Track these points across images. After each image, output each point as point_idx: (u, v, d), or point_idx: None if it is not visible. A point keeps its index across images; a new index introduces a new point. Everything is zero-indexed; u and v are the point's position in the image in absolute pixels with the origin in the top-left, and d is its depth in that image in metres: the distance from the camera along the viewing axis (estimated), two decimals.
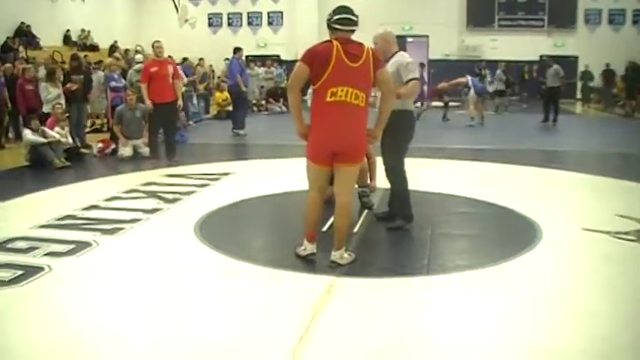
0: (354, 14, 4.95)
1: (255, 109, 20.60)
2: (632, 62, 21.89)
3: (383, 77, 4.92)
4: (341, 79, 4.75)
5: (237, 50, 14.18)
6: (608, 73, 23.65)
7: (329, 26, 4.95)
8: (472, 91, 16.45)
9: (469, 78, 16.80)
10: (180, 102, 10.56)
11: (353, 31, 4.94)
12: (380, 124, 5.12)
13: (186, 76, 18.45)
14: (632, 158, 11.03)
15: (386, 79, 4.99)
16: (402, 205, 6.15)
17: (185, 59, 19.38)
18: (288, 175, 8.35)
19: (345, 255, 5.13)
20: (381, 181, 6.84)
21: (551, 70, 17.46)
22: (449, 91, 17.77)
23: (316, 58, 4.79)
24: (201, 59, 20.48)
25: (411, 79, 5.87)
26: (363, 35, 17.87)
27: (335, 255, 5.10)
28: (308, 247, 5.24)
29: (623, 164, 10.55)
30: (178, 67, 12.46)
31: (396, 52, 6.11)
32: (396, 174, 6.12)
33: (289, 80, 5.04)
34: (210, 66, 21.83)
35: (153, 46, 10.41)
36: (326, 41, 4.90)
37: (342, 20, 4.88)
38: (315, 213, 5.22)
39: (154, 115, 10.16)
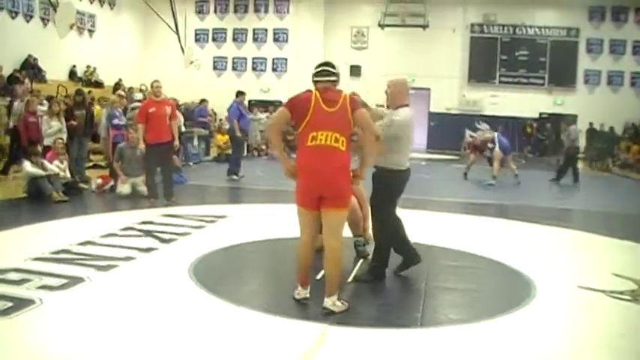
0: (332, 66, 5.31)
1: (255, 153, 20.71)
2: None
3: (360, 118, 5.10)
4: (320, 124, 5.02)
5: (239, 94, 14.27)
6: (591, 132, 24.29)
7: (312, 80, 5.31)
8: (497, 148, 15.45)
9: (495, 134, 16.04)
10: (177, 142, 10.58)
11: (332, 81, 5.25)
12: (363, 164, 5.35)
13: (203, 117, 18.61)
14: (629, 218, 11.05)
15: (363, 119, 5.11)
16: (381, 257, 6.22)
17: (203, 100, 19.44)
18: (283, 220, 8.35)
19: (338, 303, 5.13)
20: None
21: (571, 128, 17.12)
22: (478, 147, 16.79)
23: (297, 104, 5.12)
24: (203, 100, 20.61)
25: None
26: (364, 85, 18.28)
27: (327, 302, 5.10)
28: (301, 292, 5.32)
29: (620, 223, 10.57)
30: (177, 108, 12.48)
31: (401, 106, 6.02)
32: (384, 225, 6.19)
33: (269, 122, 5.25)
34: (212, 109, 21.99)
35: (152, 86, 10.47)
36: (308, 90, 5.22)
37: (320, 72, 5.27)
38: (305, 257, 5.31)
39: (149, 155, 10.11)
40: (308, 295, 5.29)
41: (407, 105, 6.05)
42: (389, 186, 6.11)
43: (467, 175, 16.24)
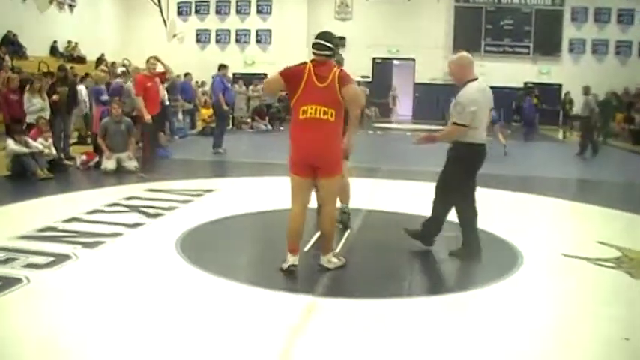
0: (327, 39, 5.34)
1: (241, 126, 20.64)
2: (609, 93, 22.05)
3: (347, 94, 5.20)
4: (310, 98, 5.20)
5: (221, 67, 14.16)
6: (568, 101, 24.50)
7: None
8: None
9: None
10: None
11: (326, 55, 5.32)
12: (347, 138, 5.47)
13: (187, 96, 18.38)
14: (614, 186, 11.15)
15: (350, 95, 5.22)
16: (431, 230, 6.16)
17: (187, 74, 19.20)
18: (270, 193, 8.35)
19: (334, 259, 5.46)
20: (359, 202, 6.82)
21: (588, 97, 16.48)
22: None
23: (292, 76, 5.31)
24: (187, 74, 20.45)
25: (455, 123, 5.77)
26: (349, 56, 18.06)
27: (323, 259, 5.44)
28: (289, 259, 5.39)
29: (605, 192, 10.66)
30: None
31: (468, 82, 5.91)
32: (443, 202, 6.10)
33: (264, 83, 5.60)
34: (197, 82, 21.83)
35: (147, 62, 10.83)
36: (303, 63, 5.38)
37: (315, 45, 5.35)
38: (296, 225, 5.46)
39: (147, 127, 10.41)
40: (296, 263, 5.38)
41: (476, 79, 5.96)
42: (469, 161, 6.01)
43: None
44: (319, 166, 5.28)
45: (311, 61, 5.33)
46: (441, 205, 6.08)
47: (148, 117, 10.33)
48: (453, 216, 7.65)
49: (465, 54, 6.18)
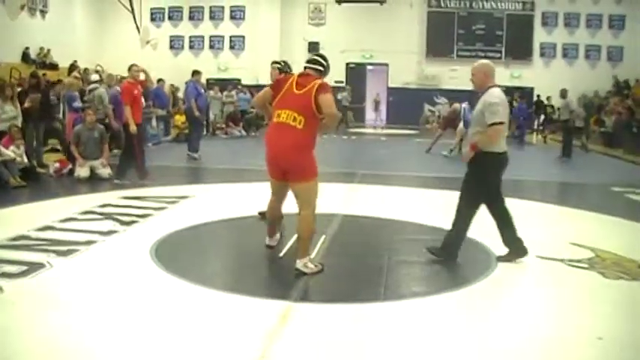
0: (322, 58, 5.83)
1: (215, 132, 20.57)
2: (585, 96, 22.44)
3: (322, 102, 5.40)
4: (285, 103, 5.52)
5: (195, 73, 14.14)
6: (538, 104, 25.00)
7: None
8: (461, 124, 15.11)
9: (464, 106, 15.29)
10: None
11: (314, 69, 5.70)
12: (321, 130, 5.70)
13: (160, 102, 18.13)
14: (585, 188, 11.30)
15: (324, 102, 5.40)
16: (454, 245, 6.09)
17: (159, 80, 18.70)
18: (245, 199, 8.35)
19: (310, 265, 5.54)
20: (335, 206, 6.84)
21: (563, 102, 16.58)
22: (450, 122, 16.48)
23: (278, 84, 5.71)
24: (160, 80, 20.35)
25: (493, 124, 5.69)
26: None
27: (299, 263, 5.53)
28: (267, 240, 6.29)
29: (576, 193, 10.81)
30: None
31: (489, 88, 5.88)
32: (463, 215, 6.05)
33: (254, 98, 5.98)
34: (172, 86, 21.72)
35: (130, 69, 10.70)
36: (293, 74, 5.83)
37: (309, 60, 5.84)
38: (271, 213, 6.17)
39: (139, 134, 10.38)
40: (273, 244, 6.26)
41: (496, 86, 5.93)
42: (496, 170, 5.98)
43: (430, 149, 16.19)
44: (287, 170, 5.56)
45: (299, 73, 5.69)
46: (462, 219, 6.05)
47: (133, 128, 10.16)
48: (427, 219, 7.73)
49: (488, 61, 6.24)
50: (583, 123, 17.85)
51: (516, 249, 5.99)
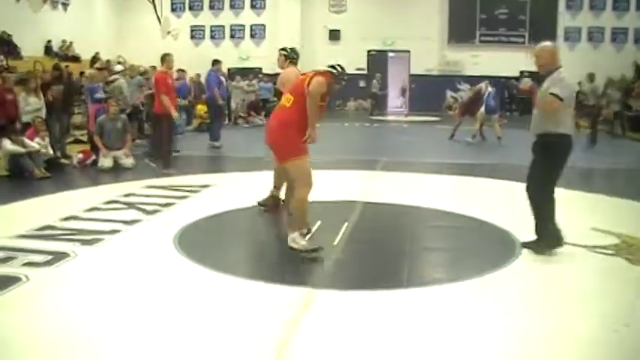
0: (340, 66, 6.05)
1: (237, 121, 20.60)
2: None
3: (311, 82, 5.69)
4: (289, 89, 6.07)
5: (215, 63, 14.18)
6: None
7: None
8: (482, 109, 15.00)
9: (489, 90, 15.10)
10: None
11: (330, 71, 5.94)
12: (309, 125, 5.75)
13: (182, 93, 17.95)
14: (608, 173, 11.17)
15: (312, 82, 5.68)
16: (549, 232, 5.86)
17: (181, 70, 17.59)
18: (266, 187, 8.34)
19: (298, 240, 5.70)
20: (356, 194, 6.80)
21: (590, 86, 16.12)
22: (468, 108, 15.96)
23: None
24: (181, 70, 20.41)
25: (551, 93, 5.61)
26: (344, 49, 18.27)
27: (289, 238, 5.76)
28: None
29: (599, 178, 10.69)
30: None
31: (557, 69, 5.79)
32: (542, 200, 5.86)
33: None
34: (192, 78, 21.76)
35: (165, 59, 10.87)
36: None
37: (331, 65, 6.04)
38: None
39: (168, 124, 10.48)
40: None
41: (560, 67, 5.83)
42: (562, 152, 5.81)
43: (453, 136, 15.89)
44: (271, 147, 5.98)
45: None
46: (544, 204, 5.86)
47: (175, 114, 10.47)
48: (450, 205, 7.69)
49: (552, 43, 6.18)
50: (619, 107, 17.43)
51: (549, 240, 5.83)
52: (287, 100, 5.84)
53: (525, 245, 5.92)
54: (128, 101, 12.38)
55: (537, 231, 5.88)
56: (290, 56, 7.67)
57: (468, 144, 15.07)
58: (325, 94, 5.80)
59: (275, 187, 7.49)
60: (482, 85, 15.52)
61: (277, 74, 8.03)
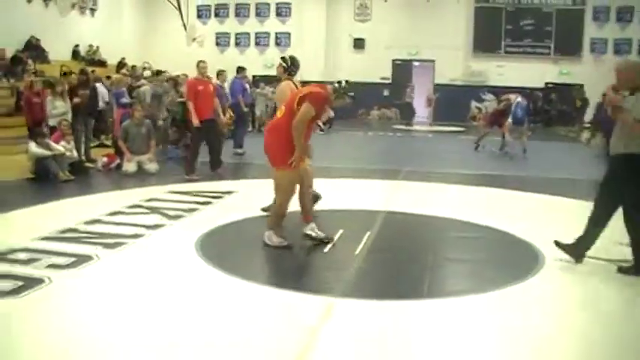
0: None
1: (261, 128, 20.64)
2: None
3: (299, 112, 5.94)
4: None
5: (240, 70, 14.25)
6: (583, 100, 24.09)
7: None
8: (509, 119, 14.85)
9: (518, 100, 14.90)
10: (222, 117, 11.10)
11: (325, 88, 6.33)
12: (295, 149, 5.98)
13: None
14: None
15: (299, 113, 5.92)
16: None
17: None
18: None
19: (273, 238, 6.13)
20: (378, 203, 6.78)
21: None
22: (496, 119, 15.73)
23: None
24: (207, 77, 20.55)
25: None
26: (368, 58, 18.37)
27: (265, 234, 6.20)
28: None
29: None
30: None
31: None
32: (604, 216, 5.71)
33: None
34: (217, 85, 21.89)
35: (198, 66, 10.85)
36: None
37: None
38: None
39: (202, 131, 10.41)
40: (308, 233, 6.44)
41: None
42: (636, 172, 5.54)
43: (478, 147, 15.72)
44: (266, 154, 6.29)
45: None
46: (601, 220, 5.75)
47: (196, 121, 10.28)
48: (472, 216, 7.64)
49: (636, 60, 6.01)
50: None
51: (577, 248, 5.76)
52: (281, 111, 6.23)
53: (621, 270, 5.65)
54: (149, 107, 12.50)
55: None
56: (288, 69, 7.63)
57: (493, 154, 14.95)
58: (316, 117, 6.07)
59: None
60: (512, 96, 15.33)
61: (303, 82, 8.02)
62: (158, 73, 15.35)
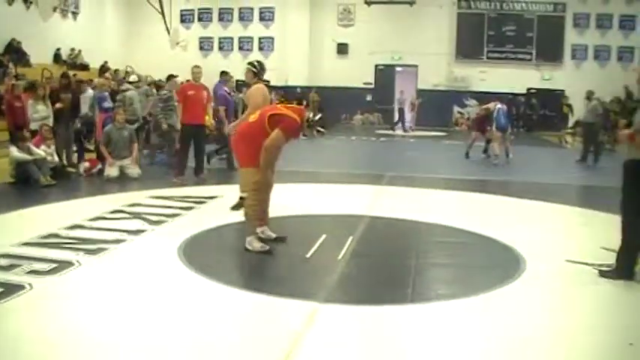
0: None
1: None
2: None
3: (269, 138, 6.09)
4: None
5: (223, 74, 14.16)
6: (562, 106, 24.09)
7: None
8: (494, 128, 14.69)
9: (498, 106, 14.83)
10: (211, 121, 11.09)
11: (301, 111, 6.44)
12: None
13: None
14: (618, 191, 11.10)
15: (269, 140, 6.07)
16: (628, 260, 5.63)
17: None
18: (271, 200, 8.34)
19: (254, 243, 6.16)
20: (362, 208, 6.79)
21: (590, 104, 15.95)
22: (480, 125, 15.72)
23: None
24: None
25: None
26: (351, 63, 18.46)
27: (246, 241, 6.20)
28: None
29: (608, 197, 10.62)
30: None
31: None
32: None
33: None
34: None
35: (192, 71, 10.90)
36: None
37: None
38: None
39: (185, 135, 10.63)
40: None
41: None
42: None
43: (468, 154, 15.49)
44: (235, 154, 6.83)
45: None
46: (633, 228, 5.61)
47: (177, 125, 10.69)
48: (455, 221, 7.67)
49: None
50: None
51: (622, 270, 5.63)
52: (254, 117, 6.39)
53: (602, 274, 5.67)
54: (138, 113, 12.40)
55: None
56: (258, 74, 7.79)
57: (483, 161, 14.95)
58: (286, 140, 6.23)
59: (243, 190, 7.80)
60: (491, 104, 15.37)
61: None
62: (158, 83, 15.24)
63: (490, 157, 15.02)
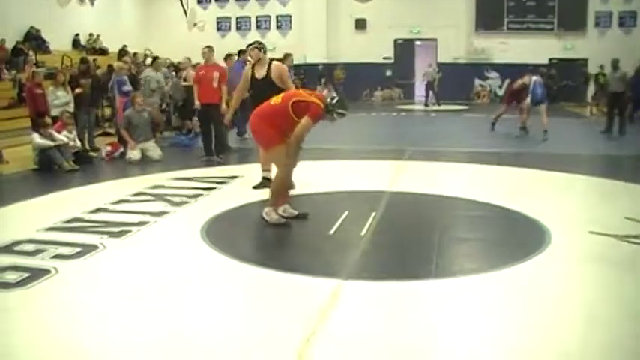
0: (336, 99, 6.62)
1: None
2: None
3: (297, 128, 6.25)
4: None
5: (240, 53, 14.14)
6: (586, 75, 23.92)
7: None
8: (528, 99, 14.28)
9: (534, 79, 14.37)
10: (223, 105, 10.80)
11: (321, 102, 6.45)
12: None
13: None
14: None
15: (296, 129, 6.23)
16: None
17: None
18: (294, 178, 8.34)
19: (272, 215, 6.33)
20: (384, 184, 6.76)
21: (616, 73, 15.37)
22: (515, 95, 15.14)
23: None
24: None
25: None
26: (370, 38, 18.25)
27: (264, 210, 6.41)
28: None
29: (632, 167, 10.49)
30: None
31: None
32: None
33: None
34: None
35: (202, 52, 11.14)
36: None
37: None
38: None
39: (201, 114, 10.95)
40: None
41: None
42: None
43: (494, 126, 15.27)
44: (254, 138, 6.78)
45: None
46: None
47: (197, 103, 10.79)
48: (478, 195, 7.61)
49: None
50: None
51: None
52: (275, 100, 6.45)
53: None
54: (164, 91, 12.63)
55: None
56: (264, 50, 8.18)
57: (509, 135, 14.64)
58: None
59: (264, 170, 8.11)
60: (526, 78, 14.90)
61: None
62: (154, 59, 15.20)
63: (528, 132, 14.63)
